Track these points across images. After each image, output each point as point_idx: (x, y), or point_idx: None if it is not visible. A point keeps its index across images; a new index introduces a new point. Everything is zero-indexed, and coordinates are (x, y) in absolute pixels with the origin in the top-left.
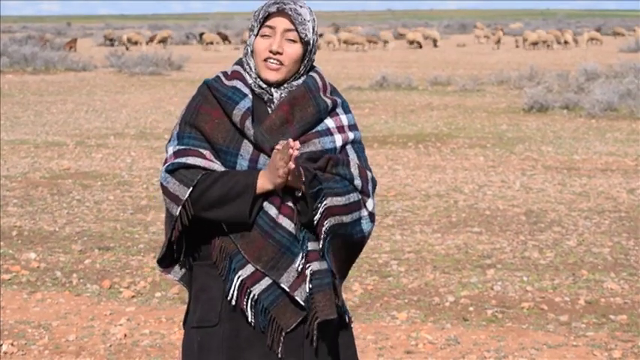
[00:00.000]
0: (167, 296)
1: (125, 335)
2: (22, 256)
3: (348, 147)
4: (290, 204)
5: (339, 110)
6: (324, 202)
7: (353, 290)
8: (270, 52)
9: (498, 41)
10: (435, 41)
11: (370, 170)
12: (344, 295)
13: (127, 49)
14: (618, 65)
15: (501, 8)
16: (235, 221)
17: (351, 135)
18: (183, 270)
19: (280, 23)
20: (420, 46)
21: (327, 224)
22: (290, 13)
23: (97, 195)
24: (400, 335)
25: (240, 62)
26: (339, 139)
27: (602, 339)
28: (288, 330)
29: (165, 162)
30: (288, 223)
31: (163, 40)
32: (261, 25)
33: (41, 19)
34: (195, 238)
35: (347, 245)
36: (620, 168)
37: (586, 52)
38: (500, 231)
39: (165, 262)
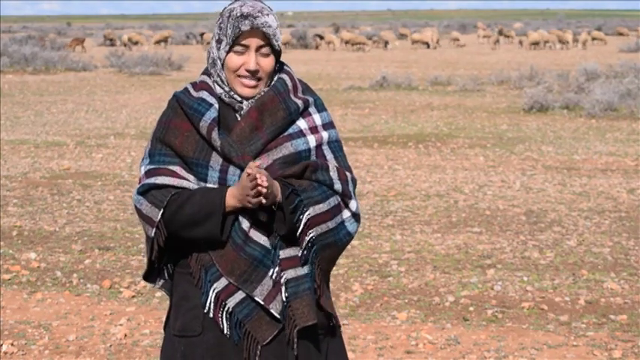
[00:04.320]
0: (167, 296)
1: (125, 335)
2: (22, 256)
3: (325, 147)
4: (262, 217)
5: (311, 110)
6: (307, 213)
7: (353, 290)
8: (247, 71)
9: (497, 41)
10: (456, 40)
11: (349, 169)
12: (343, 296)
13: (130, 49)
14: (618, 65)
15: (501, 8)
16: (210, 239)
17: (325, 134)
18: (165, 277)
19: (254, 41)
20: (428, 46)
21: (312, 233)
22: (264, 29)
23: (97, 195)
24: (400, 335)
25: (207, 72)
26: (312, 140)
27: (602, 339)
28: (264, 343)
29: (139, 182)
30: (259, 237)
31: (164, 40)
32: (233, 42)
33: (41, 18)
34: (175, 247)
35: (336, 249)
36: (621, 168)
37: (586, 52)
38: (501, 231)
39: (152, 277)
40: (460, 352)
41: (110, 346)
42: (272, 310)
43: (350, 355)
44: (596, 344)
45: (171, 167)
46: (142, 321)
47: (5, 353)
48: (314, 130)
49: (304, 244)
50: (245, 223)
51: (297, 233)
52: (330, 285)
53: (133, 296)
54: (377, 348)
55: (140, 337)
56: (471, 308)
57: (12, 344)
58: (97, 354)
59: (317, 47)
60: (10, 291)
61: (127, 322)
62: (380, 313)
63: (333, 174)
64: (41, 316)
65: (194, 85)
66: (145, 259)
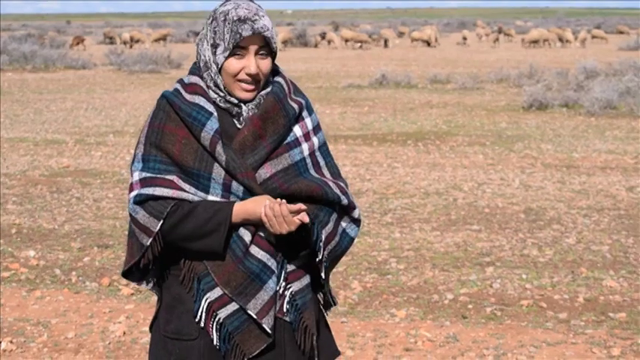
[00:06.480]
0: None
1: (124, 333)
2: (21, 254)
3: (317, 154)
4: (263, 233)
5: (304, 113)
6: (321, 237)
7: (352, 288)
8: (248, 74)
9: (497, 39)
10: (464, 39)
11: (339, 173)
12: (342, 293)
13: (131, 47)
14: (618, 63)
15: (501, 7)
16: (209, 252)
17: (315, 140)
18: (154, 278)
19: (253, 44)
20: (429, 44)
21: (325, 253)
22: (264, 33)
23: (96, 193)
24: (399, 333)
25: (196, 72)
26: (306, 149)
27: (601, 336)
28: (251, 357)
29: (131, 187)
30: (258, 251)
31: (162, 39)
32: (233, 47)
33: (41, 17)
34: (167, 251)
35: (342, 255)
36: (620, 166)
37: (586, 50)
38: (500, 229)
39: (135, 276)
40: (459, 350)
41: (109, 343)
42: (264, 325)
43: (349, 352)
44: (595, 342)
45: (168, 177)
46: (140, 319)
47: (4, 351)
48: (307, 136)
49: (323, 264)
50: (247, 237)
51: (318, 259)
52: (330, 282)
53: (132, 294)
54: (376, 345)
55: (139, 335)
56: (470, 306)
57: (11, 342)
58: (96, 351)
59: (316, 45)
60: (9, 289)
61: (125, 319)
62: (379, 310)
63: (336, 189)
64: (40, 313)
65: (184, 86)
66: (125, 257)
